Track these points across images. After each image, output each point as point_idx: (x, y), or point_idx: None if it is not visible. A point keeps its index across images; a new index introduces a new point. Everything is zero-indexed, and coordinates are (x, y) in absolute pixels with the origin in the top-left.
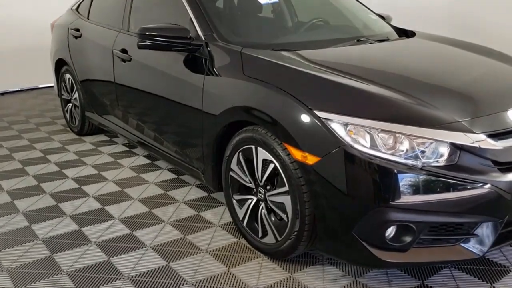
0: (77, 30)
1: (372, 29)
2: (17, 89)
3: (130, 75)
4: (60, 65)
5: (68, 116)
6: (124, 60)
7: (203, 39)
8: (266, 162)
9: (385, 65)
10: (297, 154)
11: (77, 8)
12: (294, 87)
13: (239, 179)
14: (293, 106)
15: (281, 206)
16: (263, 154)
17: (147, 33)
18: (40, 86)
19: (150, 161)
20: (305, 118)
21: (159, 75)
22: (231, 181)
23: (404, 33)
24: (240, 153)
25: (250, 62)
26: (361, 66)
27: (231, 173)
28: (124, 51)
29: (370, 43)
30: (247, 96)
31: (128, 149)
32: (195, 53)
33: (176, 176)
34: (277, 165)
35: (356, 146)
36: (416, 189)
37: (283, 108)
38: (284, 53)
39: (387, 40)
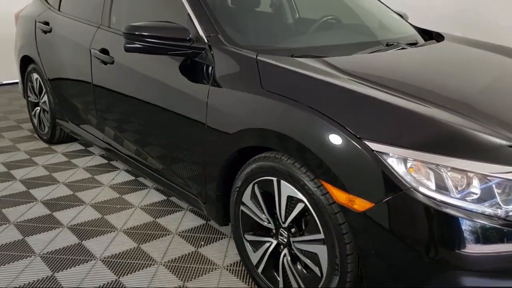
0: (46, 23)
1: (394, 30)
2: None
3: (111, 80)
4: (26, 63)
5: (35, 121)
6: (105, 63)
7: (206, 41)
8: (292, 200)
9: (435, 79)
10: (340, 196)
11: None
12: (334, 108)
13: (253, 216)
14: (333, 133)
15: (313, 257)
16: (288, 189)
17: (136, 33)
18: (4, 82)
19: (133, 177)
20: (351, 149)
21: (147, 82)
22: (242, 217)
23: (426, 34)
24: (256, 185)
25: (270, 72)
26: (409, 80)
27: (242, 207)
28: (104, 51)
29: (402, 49)
30: (266, 116)
31: (106, 161)
32: (195, 58)
33: (165, 198)
34: (309, 206)
35: (421, 189)
36: (497, 247)
37: (318, 135)
38: (309, 61)
39: (417, 44)
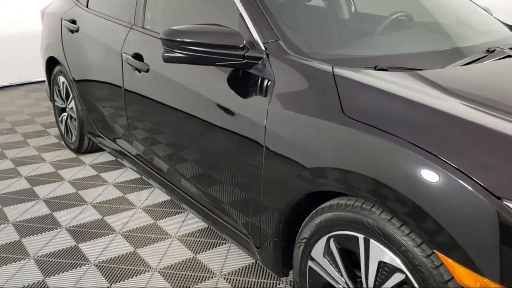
0: (73, 22)
1: (487, 31)
2: (4, 85)
3: (146, 90)
4: (52, 64)
5: (62, 128)
6: (138, 70)
7: (263, 49)
8: (385, 267)
9: None
10: (465, 276)
11: None
12: (454, 149)
13: (326, 276)
14: (455, 187)
15: None
16: (381, 253)
17: (178, 39)
18: (32, 80)
19: (169, 198)
20: (484, 213)
21: (189, 96)
22: (310, 274)
23: None
24: (332, 239)
25: (354, 93)
26: None
27: (311, 263)
28: (138, 56)
29: (508, 56)
30: (353, 153)
31: (138, 176)
32: (249, 70)
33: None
34: (412, 280)
35: None
36: None
37: (433, 187)
38: (402, 76)
39: None
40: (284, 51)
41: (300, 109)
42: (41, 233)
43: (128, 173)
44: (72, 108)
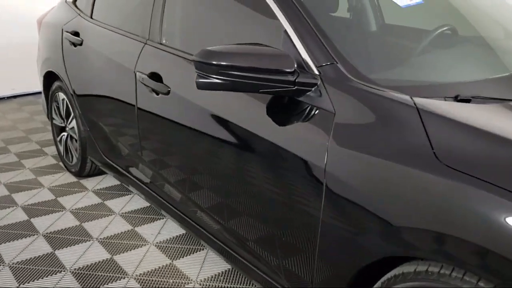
0: (76, 34)
1: None
2: None
3: (166, 116)
4: (50, 79)
5: (61, 148)
6: (156, 92)
7: (317, 73)
8: None
9: None
10: None
11: (74, 1)
12: None
13: None
14: None
15: None
16: None
17: (215, 62)
18: (25, 92)
19: (184, 231)
20: None
21: (220, 125)
22: None
23: None
24: None
25: (447, 133)
26: None
27: None
28: (155, 76)
29: None
30: (451, 211)
31: (147, 204)
32: (299, 98)
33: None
34: None
35: None
36: None
37: None
38: (499, 111)
39: None
40: (344, 77)
41: (374, 150)
42: (42, 279)
43: (136, 201)
44: (73, 128)
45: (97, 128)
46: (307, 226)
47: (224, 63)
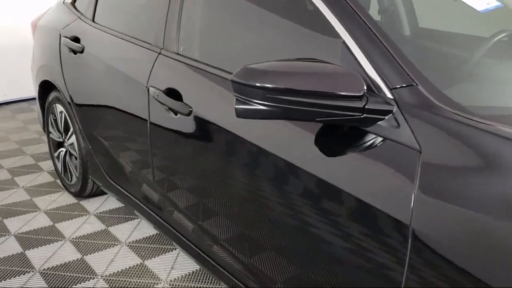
0: (76, 39)
1: None
2: None
3: (186, 139)
4: (47, 89)
5: (59, 165)
6: (174, 111)
7: (390, 96)
8: None
9: None
10: None
11: (73, 2)
12: None
13: None
14: None
15: None
16: None
17: (260, 84)
18: (18, 98)
19: (197, 267)
20: None
21: (257, 155)
22: None
23: None
24: None
25: None
26: None
27: None
28: (173, 93)
29: None
30: None
31: (155, 231)
32: (366, 128)
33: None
34: None
35: None
36: None
37: None
38: None
39: None
40: (428, 103)
41: (475, 201)
42: None
43: (143, 227)
44: (72, 144)
45: (100, 146)
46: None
47: (273, 86)
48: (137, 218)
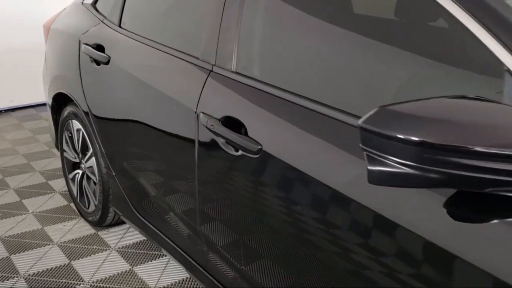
0: (99, 48)
1: None
2: None
3: (251, 183)
4: (61, 102)
5: (74, 189)
6: (235, 147)
7: None
8: None
9: None
10: None
11: (94, 3)
12: None
13: None
14: None
15: None
16: None
17: (408, 137)
18: (26, 104)
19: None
20: None
21: (338, 205)
22: None
23: None
24: None
25: None
26: None
27: None
28: (233, 124)
29: None
30: None
31: (187, 274)
32: None
33: None
34: None
35: None
36: None
37: None
38: None
39: None
40: None
41: None
42: None
43: (172, 268)
44: (91, 167)
45: (126, 173)
46: None
47: (436, 141)
48: (164, 256)
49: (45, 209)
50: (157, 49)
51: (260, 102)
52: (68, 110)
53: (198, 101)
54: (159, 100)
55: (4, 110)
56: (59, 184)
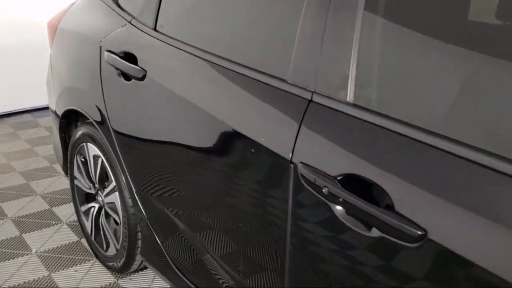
0: (129, 57)
1: None
2: None
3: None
4: (70, 118)
5: (88, 225)
6: (368, 225)
7: None
8: None
9: None
10: None
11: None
12: None
13: None
14: None
15: None
16: None
17: None
18: (20, 109)
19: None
20: None
21: None
22: None
23: None
24: None
25: None
26: None
27: None
28: (361, 187)
29: None
30: None
31: None
32: None
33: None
34: None
35: None
36: None
37: None
38: None
39: None
40: None
41: None
42: None
43: None
44: (112, 204)
45: (167, 221)
46: None
47: None
48: None
49: (51, 247)
50: (216, 64)
51: (399, 156)
52: (82, 130)
53: (294, 146)
54: (224, 136)
55: None
56: (66, 211)
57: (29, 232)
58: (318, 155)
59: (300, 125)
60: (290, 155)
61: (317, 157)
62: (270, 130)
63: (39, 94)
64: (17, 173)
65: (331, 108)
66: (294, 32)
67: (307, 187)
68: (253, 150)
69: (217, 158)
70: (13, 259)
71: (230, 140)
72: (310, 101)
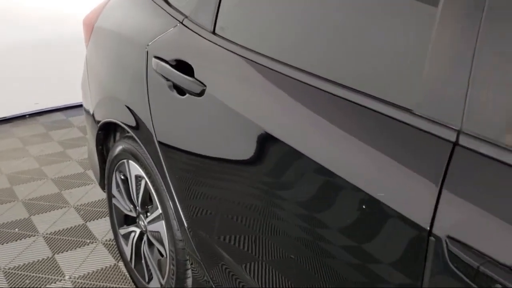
0: (182, 66)
1: None
2: (11, 116)
3: None
4: (108, 131)
5: (127, 250)
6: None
7: None
8: None
9: None
10: None
11: None
12: None
13: None
14: None
15: None
16: None
17: None
18: (53, 107)
19: None
20: None
21: None
22: None
23: None
24: None
25: None
26: None
27: None
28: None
29: None
30: None
31: None
32: None
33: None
34: None
35: None
36: None
37: None
38: None
39: None
40: None
41: None
42: None
43: None
44: (157, 233)
45: (227, 270)
46: None
47: None
48: None
49: (86, 271)
50: (300, 81)
51: None
52: (122, 145)
53: (435, 210)
54: (321, 182)
55: (29, 115)
56: (101, 228)
57: (63, 252)
58: (475, 227)
59: (444, 180)
60: (429, 224)
61: (473, 231)
62: (392, 182)
63: (71, 92)
64: (49, 180)
65: (489, 157)
66: (425, 42)
67: (457, 272)
68: (364, 207)
69: (308, 206)
70: (44, 285)
71: (328, 188)
72: (456, 144)
